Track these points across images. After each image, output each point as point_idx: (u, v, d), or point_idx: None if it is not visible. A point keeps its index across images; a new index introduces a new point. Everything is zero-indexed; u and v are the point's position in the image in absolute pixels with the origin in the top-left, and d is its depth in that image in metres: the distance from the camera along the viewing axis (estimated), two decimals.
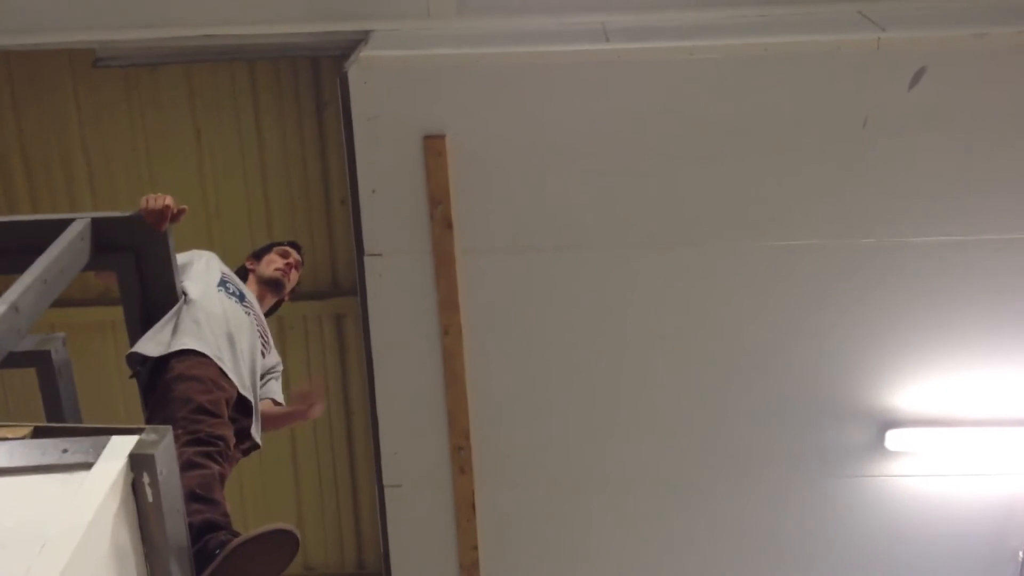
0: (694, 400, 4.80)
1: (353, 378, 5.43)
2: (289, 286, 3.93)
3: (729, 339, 4.69)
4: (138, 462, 2.07)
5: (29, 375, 3.36)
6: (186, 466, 2.81)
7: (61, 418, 3.26)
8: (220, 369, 3.20)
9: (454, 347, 4.70)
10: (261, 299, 3.81)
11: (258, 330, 3.52)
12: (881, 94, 4.28)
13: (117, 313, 3.54)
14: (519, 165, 4.45)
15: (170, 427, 2.21)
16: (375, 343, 4.73)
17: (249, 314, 3.49)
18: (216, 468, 2.93)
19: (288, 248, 4.00)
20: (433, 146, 4.40)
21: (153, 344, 3.21)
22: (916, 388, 4.72)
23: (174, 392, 3.06)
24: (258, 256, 3.99)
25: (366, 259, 4.60)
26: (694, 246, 4.57)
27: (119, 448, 2.07)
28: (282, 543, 2.66)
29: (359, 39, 4.62)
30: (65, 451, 2.06)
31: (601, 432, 4.88)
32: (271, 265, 3.89)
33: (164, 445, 2.13)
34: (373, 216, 4.53)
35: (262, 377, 3.56)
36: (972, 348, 4.62)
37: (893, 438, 4.77)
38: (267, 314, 3.89)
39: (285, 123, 5.08)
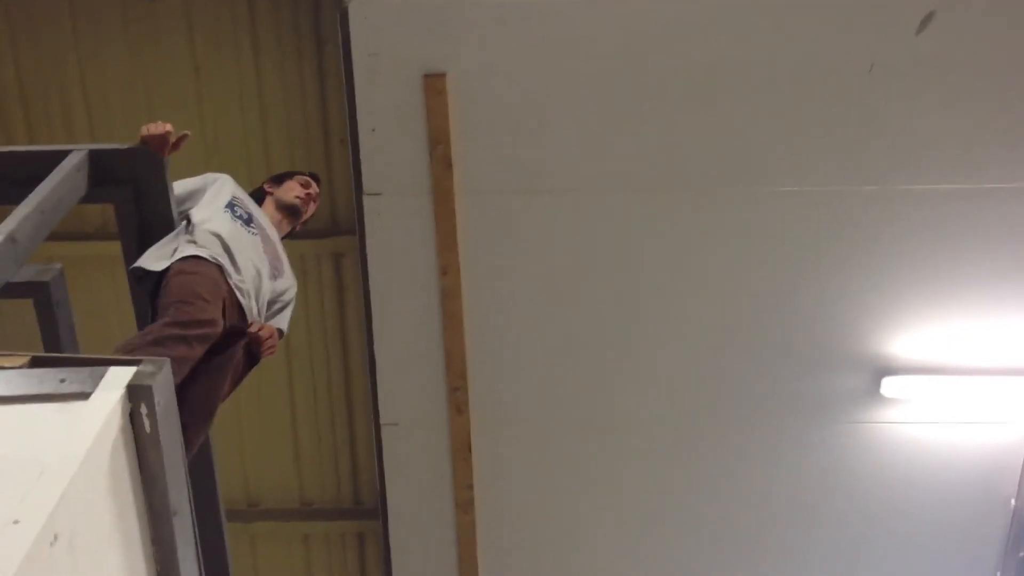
0: (693, 343, 4.82)
1: (351, 317, 5.43)
2: (305, 216, 3.91)
3: (729, 283, 4.69)
4: (136, 393, 2.07)
5: (26, 306, 3.36)
6: (155, 343, 2.83)
7: (59, 349, 3.27)
8: (220, 268, 3.22)
9: (452, 287, 4.70)
10: (277, 224, 3.80)
11: (265, 252, 3.51)
12: (888, 39, 4.23)
13: (115, 248, 3.53)
14: (520, 105, 4.41)
15: (168, 359, 2.21)
16: (373, 282, 4.73)
17: (255, 235, 3.48)
18: (183, 352, 2.92)
19: (308, 179, 3.96)
20: (434, 85, 4.36)
21: (155, 259, 3.22)
22: (913, 336, 4.74)
23: (171, 285, 3.10)
24: (278, 180, 3.97)
25: (365, 198, 4.58)
26: (696, 190, 4.55)
27: (117, 378, 2.07)
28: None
29: None
30: (63, 381, 2.06)
31: (598, 374, 4.90)
32: (291, 192, 3.87)
33: (162, 376, 2.13)
34: (372, 155, 4.50)
35: (272, 304, 3.58)
36: (970, 297, 4.63)
37: (889, 385, 4.80)
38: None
39: (284, 59, 5.01)
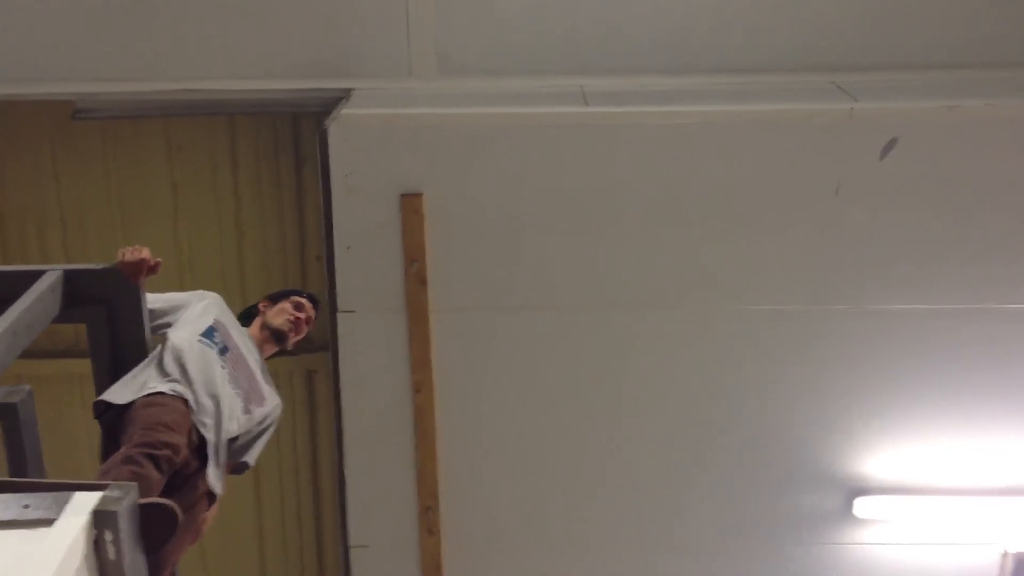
0: (665, 462, 4.78)
1: (322, 435, 5.37)
2: (293, 340, 3.88)
3: (701, 402, 4.69)
4: (101, 519, 2.04)
5: None
6: (125, 460, 2.78)
7: (24, 472, 3.21)
8: (184, 400, 3.17)
9: (425, 405, 4.67)
10: (262, 345, 3.77)
11: (239, 385, 3.44)
12: (854, 162, 4.34)
13: (85, 366, 3.50)
14: (495, 225, 4.46)
15: (135, 484, 2.18)
16: (345, 400, 4.69)
17: (224, 368, 3.43)
18: (154, 474, 2.85)
19: (304, 301, 3.94)
20: (410, 204, 4.41)
21: (120, 393, 3.18)
22: (886, 455, 4.72)
23: (137, 417, 3.05)
24: (274, 299, 3.94)
25: (339, 316, 4.58)
26: (668, 309, 4.58)
27: (82, 504, 2.04)
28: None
29: (340, 97, 4.65)
30: (27, 507, 2.03)
31: (572, 495, 4.84)
32: (282, 315, 3.84)
33: (127, 502, 2.10)
34: (348, 273, 4.52)
35: (249, 432, 3.52)
36: (942, 416, 4.63)
37: (862, 505, 4.76)
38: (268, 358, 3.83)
39: (263, 178, 5.08)
